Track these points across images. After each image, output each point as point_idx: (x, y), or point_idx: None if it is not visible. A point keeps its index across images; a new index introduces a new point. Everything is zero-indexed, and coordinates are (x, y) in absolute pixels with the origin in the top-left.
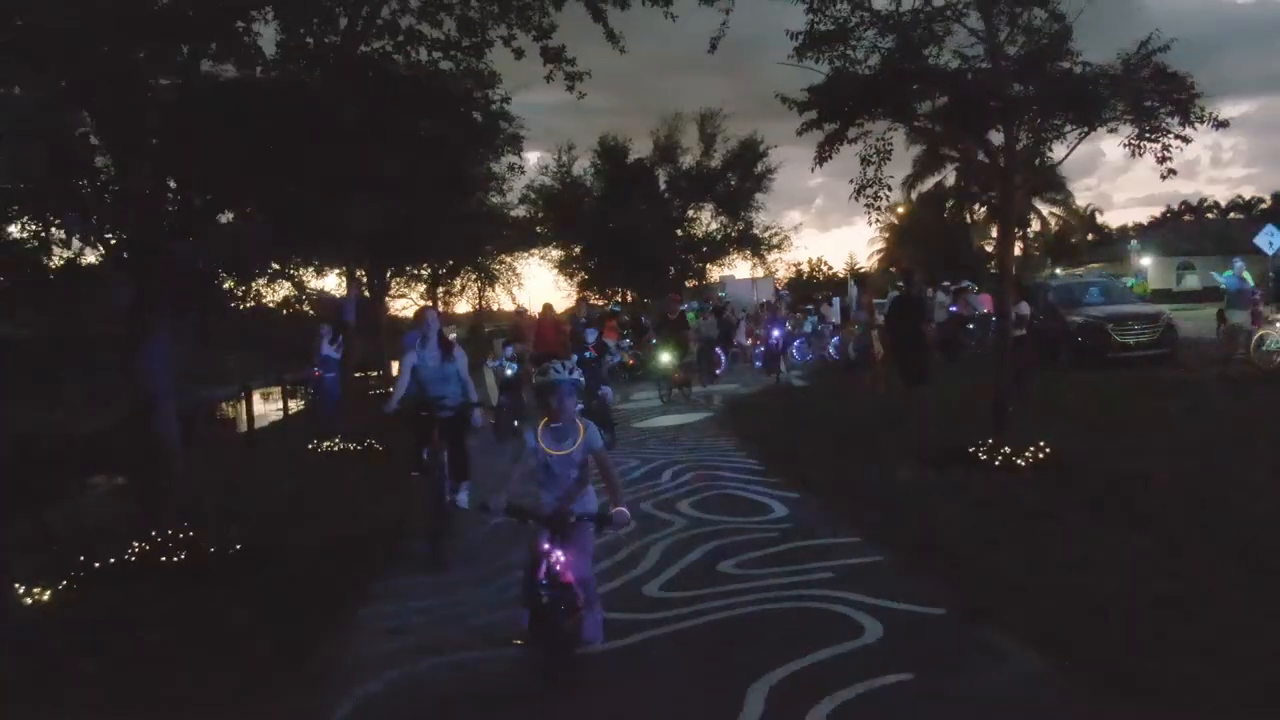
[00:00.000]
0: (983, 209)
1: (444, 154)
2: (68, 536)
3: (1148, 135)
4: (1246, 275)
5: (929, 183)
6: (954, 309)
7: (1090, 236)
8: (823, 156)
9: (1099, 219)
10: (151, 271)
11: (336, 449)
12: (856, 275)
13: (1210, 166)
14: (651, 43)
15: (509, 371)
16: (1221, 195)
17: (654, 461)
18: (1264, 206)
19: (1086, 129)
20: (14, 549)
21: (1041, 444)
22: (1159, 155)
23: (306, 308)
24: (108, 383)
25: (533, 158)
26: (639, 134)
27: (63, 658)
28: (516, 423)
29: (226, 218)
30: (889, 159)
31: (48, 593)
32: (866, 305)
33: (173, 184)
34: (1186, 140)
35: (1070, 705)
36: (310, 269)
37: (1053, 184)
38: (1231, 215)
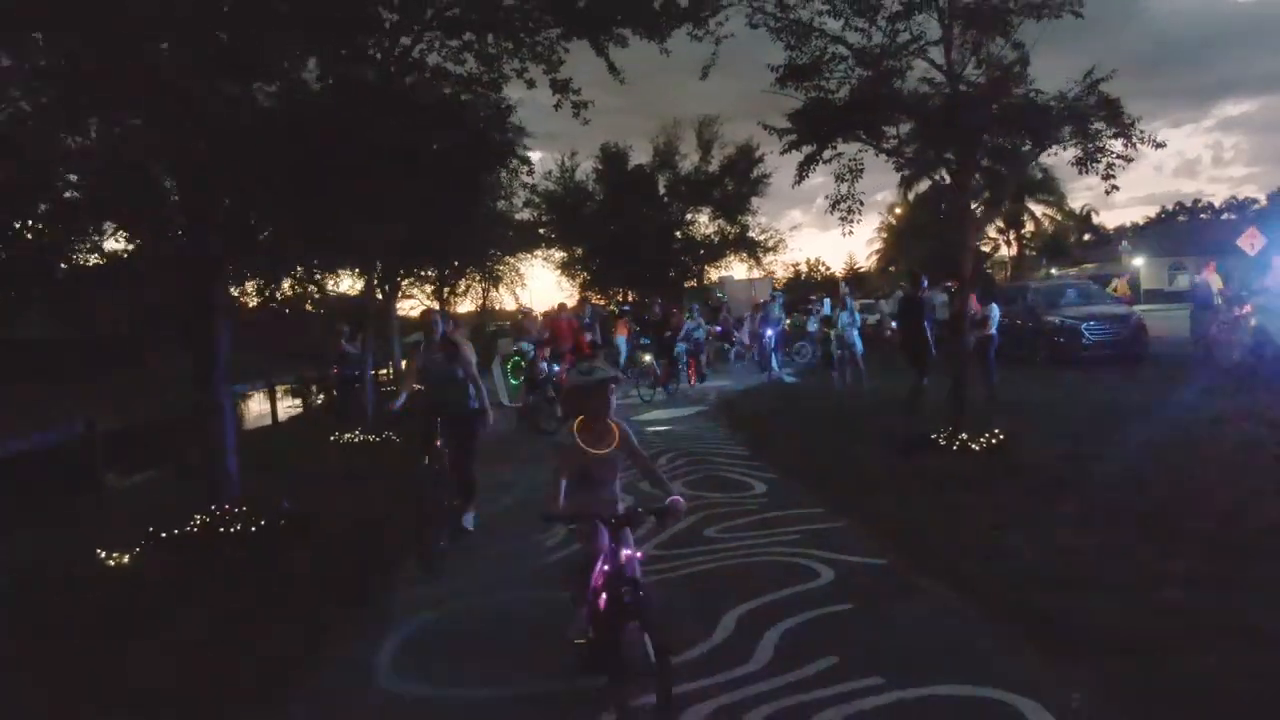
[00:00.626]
0: (979, 209)
1: (464, 175)
2: (137, 511)
3: (1094, 156)
4: (1211, 279)
5: (925, 184)
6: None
7: (1087, 237)
8: (802, 175)
9: (1095, 219)
10: (215, 280)
11: (357, 440)
12: (846, 278)
13: (1212, 166)
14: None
15: (548, 366)
16: (1223, 194)
17: (651, 448)
18: (1257, 207)
19: (1039, 150)
20: (92, 521)
21: (996, 431)
22: (1102, 174)
23: (313, 307)
24: (144, 377)
25: (535, 156)
26: (642, 131)
27: (154, 606)
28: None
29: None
30: (860, 176)
31: (126, 557)
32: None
33: (227, 203)
34: (1129, 159)
35: (964, 625)
36: (331, 274)
37: (1045, 186)
38: (1225, 216)
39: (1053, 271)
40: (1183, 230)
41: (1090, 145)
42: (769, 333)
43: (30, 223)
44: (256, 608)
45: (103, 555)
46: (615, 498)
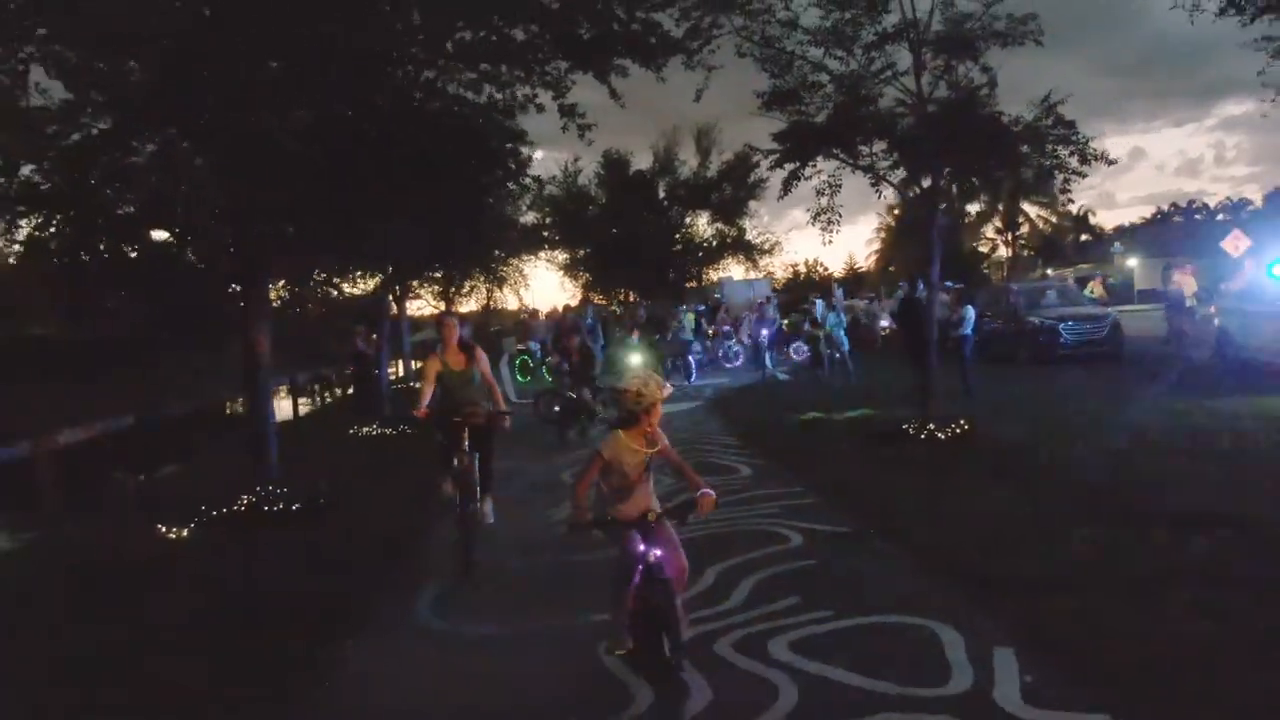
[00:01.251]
0: (976, 209)
1: (475, 188)
2: (187, 492)
3: (1050, 172)
4: (1185, 282)
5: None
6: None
7: (1085, 237)
8: (786, 190)
9: (1093, 219)
10: (260, 284)
11: (375, 433)
12: (844, 278)
13: (1214, 165)
14: None
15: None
16: (1225, 193)
17: None
18: (1251, 208)
19: (1002, 170)
20: (150, 500)
21: (961, 422)
22: (1059, 188)
23: (325, 309)
24: (160, 375)
25: (538, 155)
26: (641, 133)
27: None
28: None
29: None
30: (839, 191)
31: (184, 530)
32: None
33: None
34: (1083, 175)
35: (905, 574)
36: (347, 278)
37: (1039, 189)
38: (1220, 217)
39: (1048, 272)
40: (1177, 231)
41: (1049, 162)
42: (764, 333)
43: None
44: (309, 571)
45: (163, 529)
46: (650, 498)
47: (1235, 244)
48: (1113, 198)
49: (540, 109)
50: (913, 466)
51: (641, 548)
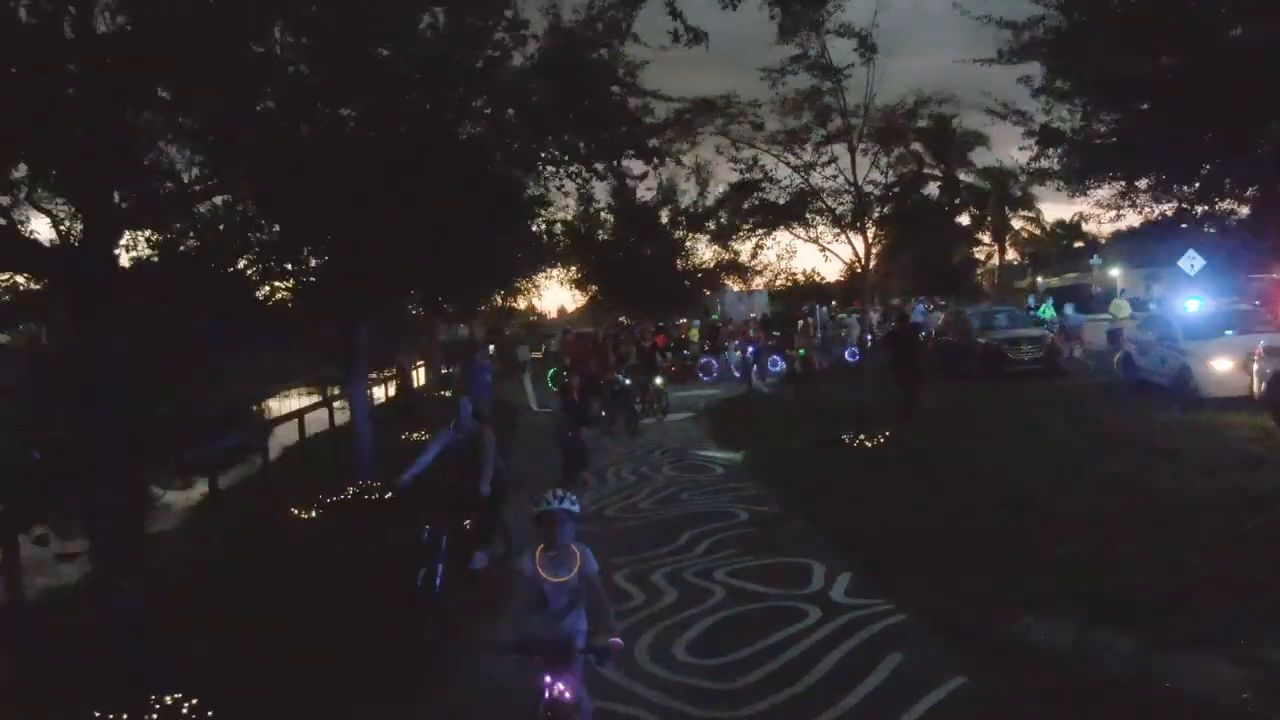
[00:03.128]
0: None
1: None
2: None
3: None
4: (1117, 307)
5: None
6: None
7: (1079, 244)
8: (754, 255)
9: (1085, 227)
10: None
11: (424, 437)
12: (842, 282)
13: None
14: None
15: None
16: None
17: (648, 442)
18: (1235, 218)
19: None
20: (280, 489)
21: (886, 432)
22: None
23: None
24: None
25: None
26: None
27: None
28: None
29: None
30: (795, 255)
31: (313, 512)
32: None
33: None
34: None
35: (806, 536)
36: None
37: (1025, 203)
38: (1207, 228)
39: (1038, 280)
40: (1153, 240)
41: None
42: (749, 349)
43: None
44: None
45: (297, 512)
46: (571, 630)
47: (1191, 263)
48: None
49: (565, 193)
50: (842, 467)
51: (547, 678)
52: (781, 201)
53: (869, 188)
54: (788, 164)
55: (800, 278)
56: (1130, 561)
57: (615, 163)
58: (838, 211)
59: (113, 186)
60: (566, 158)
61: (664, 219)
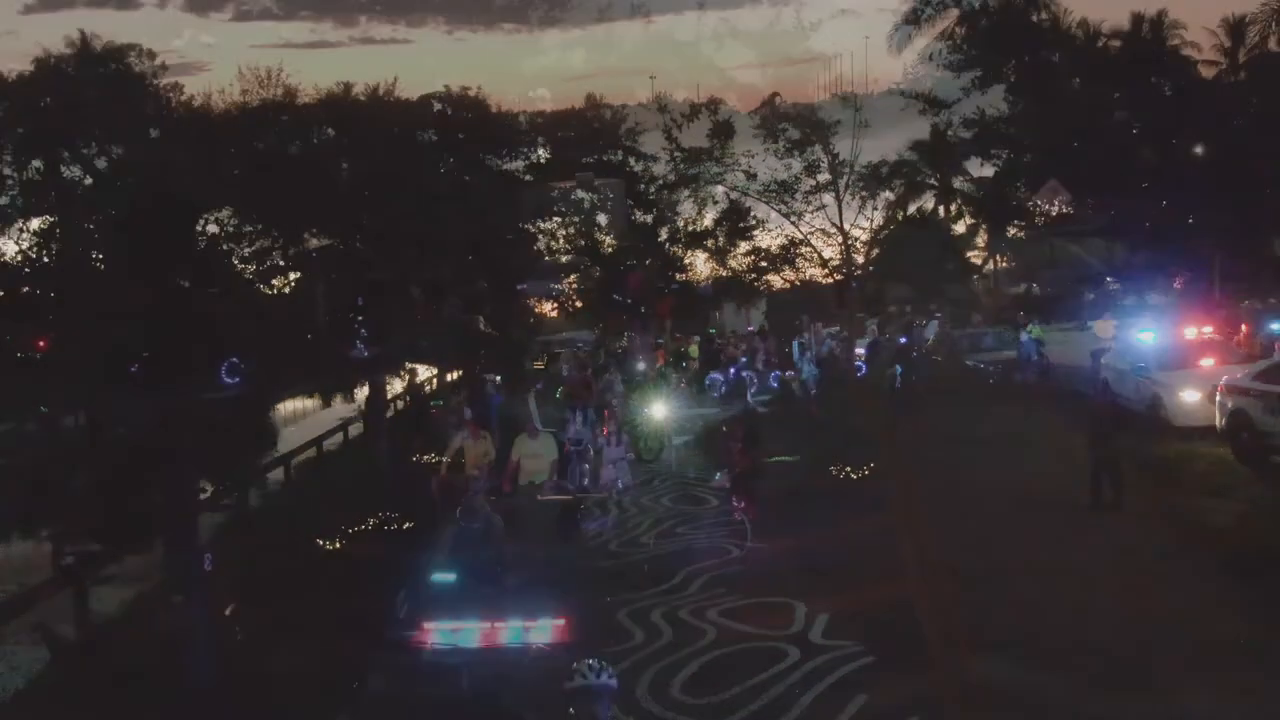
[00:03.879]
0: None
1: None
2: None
3: None
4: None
5: (911, 207)
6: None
7: None
8: (744, 305)
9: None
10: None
11: (435, 460)
12: (837, 286)
13: None
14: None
15: None
16: None
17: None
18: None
19: None
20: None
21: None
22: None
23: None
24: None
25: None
26: (623, 96)
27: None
28: None
29: None
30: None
31: (338, 543)
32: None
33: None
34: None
35: (766, 532)
36: None
37: (1020, 214)
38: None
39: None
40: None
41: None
42: (745, 373)
43: None
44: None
45: (322, 543)
46: None
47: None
48: None
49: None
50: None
51: None
52: (774, 249)
53: (856, 231)
54: (781, 213)
55: (797, 282)
56: None
57: None
58: (825, 255)
59: None
60: None
61: (662, 237)
